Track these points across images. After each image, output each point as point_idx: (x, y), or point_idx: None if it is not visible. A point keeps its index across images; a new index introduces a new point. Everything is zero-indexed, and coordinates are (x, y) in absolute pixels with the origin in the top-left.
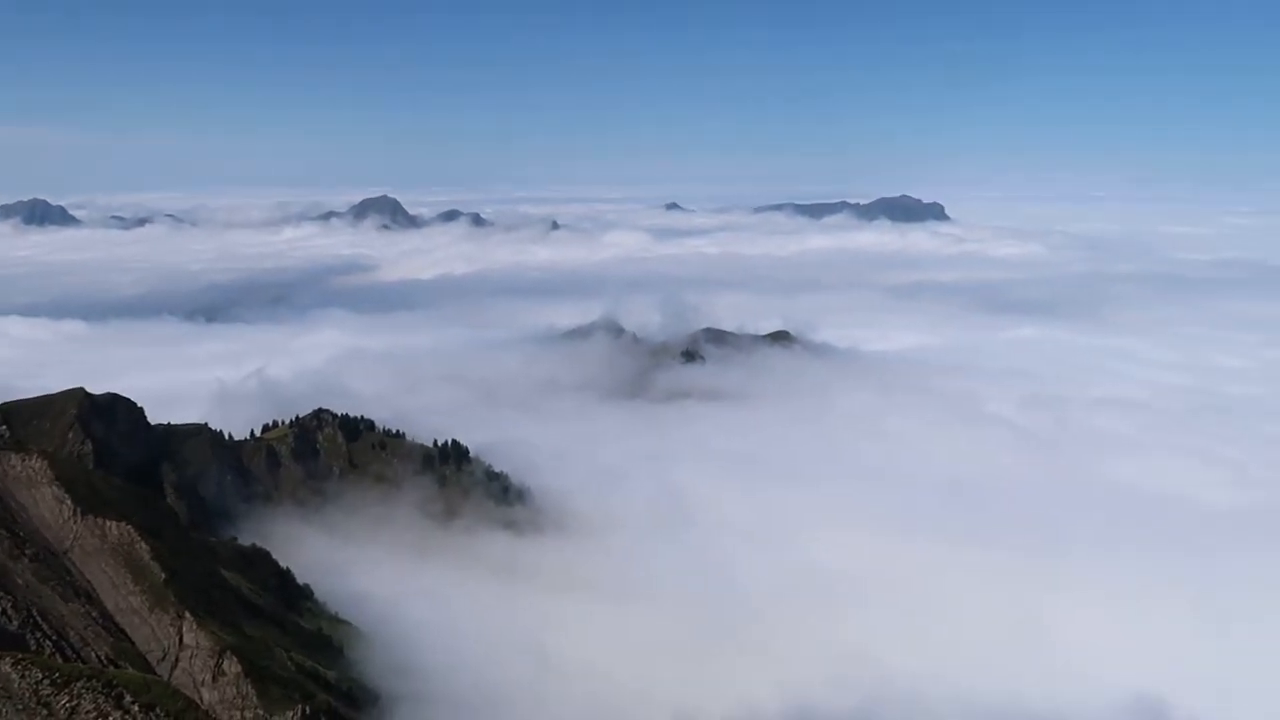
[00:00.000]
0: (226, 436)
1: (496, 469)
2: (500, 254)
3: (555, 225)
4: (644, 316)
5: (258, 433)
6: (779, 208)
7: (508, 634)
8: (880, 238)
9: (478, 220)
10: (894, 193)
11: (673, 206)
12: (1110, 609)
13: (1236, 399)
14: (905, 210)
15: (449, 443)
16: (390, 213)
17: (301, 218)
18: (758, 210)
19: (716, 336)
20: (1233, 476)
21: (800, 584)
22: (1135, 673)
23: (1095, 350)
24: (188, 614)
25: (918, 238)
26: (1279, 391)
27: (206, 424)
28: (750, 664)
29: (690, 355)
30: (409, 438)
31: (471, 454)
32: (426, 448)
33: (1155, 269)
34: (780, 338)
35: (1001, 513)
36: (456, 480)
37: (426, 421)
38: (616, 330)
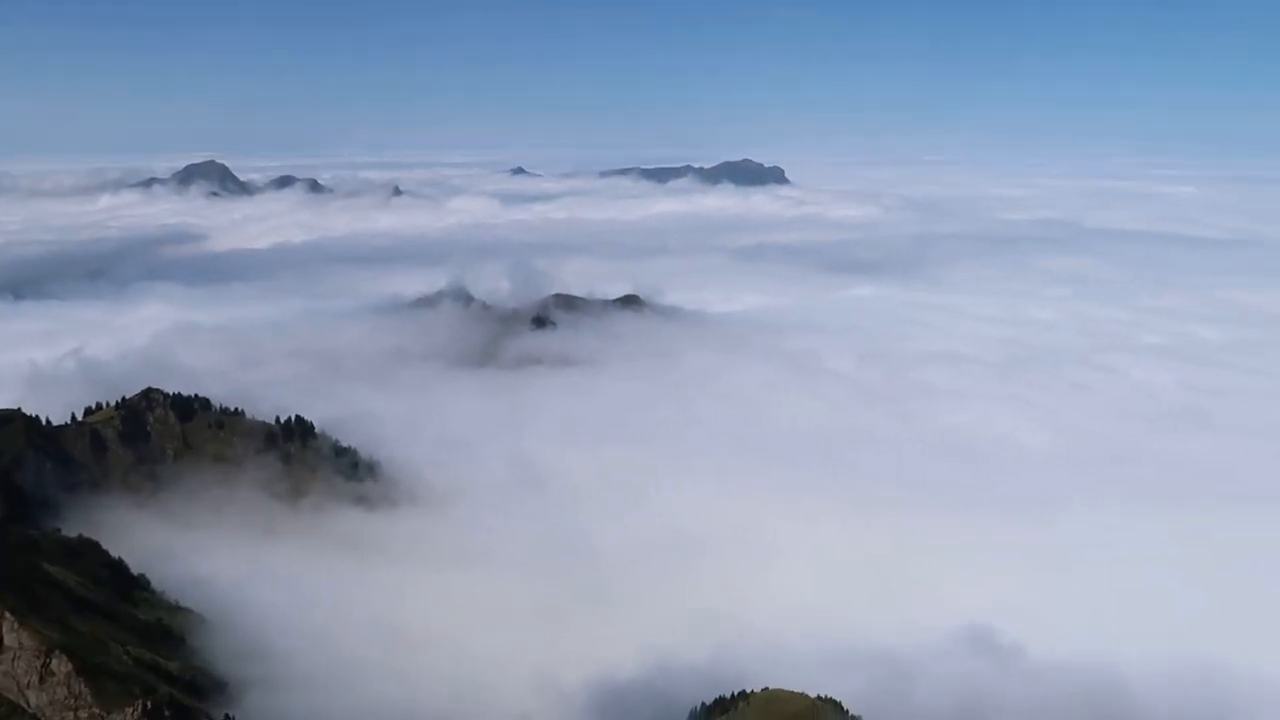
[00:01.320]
0: (44, 422)
1: (344, 443)
2: (340, 221)
3: (398, 191)
4: (493, 283)
5: (79, 417)
6: (625, 172)
7: (361, 610)
8: (724, 201)
9: (315, 186)
10: (736, 157)
11: (519, 171)
12: (946, 548)
13: (1049, 349)
14: (747, 174)
15: (292, 418)
16: (219, 179)
17: (120, 185)
18: (604, 175)
19: (566, 302)
20: (1049, 421)
21: (653, 543)
22: (969, 605)
23: (925, 306)
24: (7, 614)
25: (760, 201)
26: (1086, 341)
27: (19, 409)
28: (607, 625)
29: (540, 321)
30: (249, 415)
31: (317, 429)
32: (268, 425)
33: (979, 229)
34: (630, 302)
35: (844, 463)
36: (302, 457)
37: (267, 397)
38: (465, 298)
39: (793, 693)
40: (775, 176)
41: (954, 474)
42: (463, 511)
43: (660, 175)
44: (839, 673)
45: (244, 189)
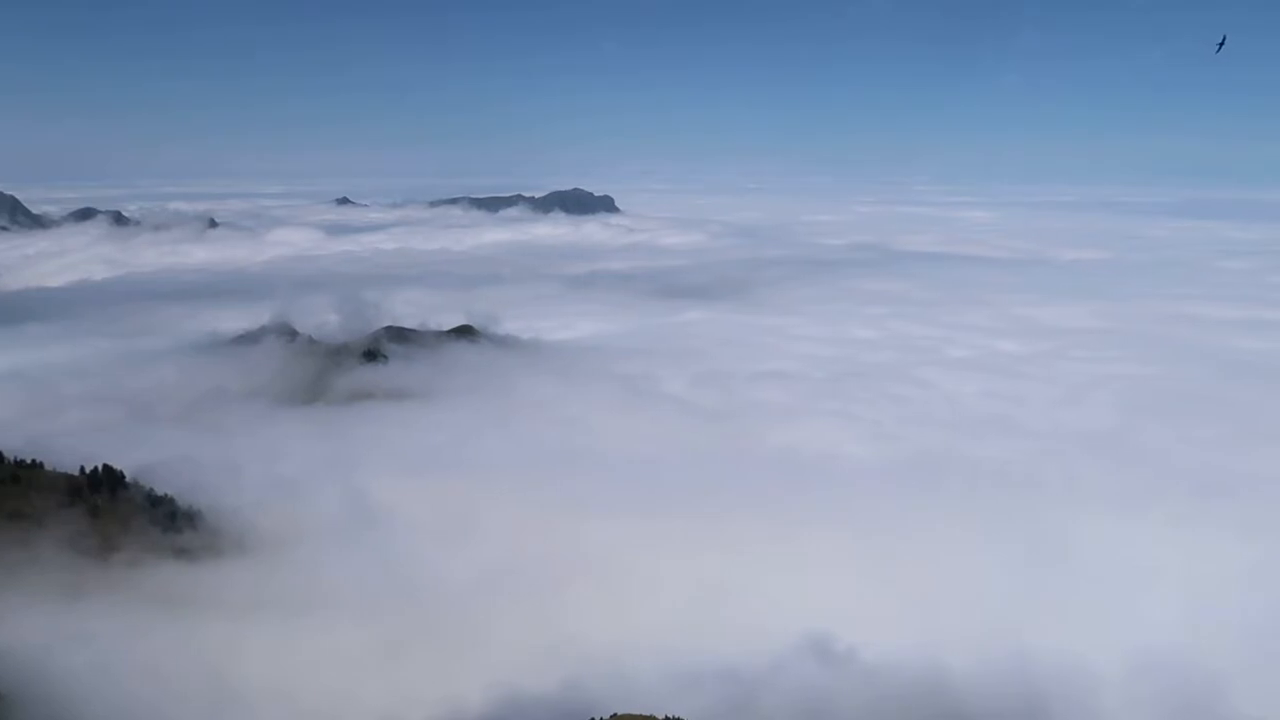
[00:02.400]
0: None
1: (160, 492)
2: (149, 255)
3: (213, 223)
4: (319, 317)
5: None
6: (455, 201)
7: (185, 669)
8: (556, 230)
9: (119, 219)
10: (567, 186)
11: (344, 201)
12: (782, 560)
13: (870, 365)
14: (578, 202)
15: (99, 468)
16: (8, 211)
17: None
18: (434, 204)
19: (398, 334)
20: (872, 433)
21: (496, 575)
22: (806, 615)
23: (754, 328)
24: None
25: (591, 229)
26: (902, 357)
27: None
28: (452, 662)
29: (371, 355)
30: (49, 467)
31: (128, 478)
32: (72, 476)
33: (800, 253)
34: (464, 332)
35: (683, 484)
36: (112, 509)
37: (70, 447)
38: (289, 333)
39: (641, 716)
40: (606, 205)
41: (788, 488)
42: (295, 556)
43: (491, 204)
44: (685, 692)
45: (38, 222)
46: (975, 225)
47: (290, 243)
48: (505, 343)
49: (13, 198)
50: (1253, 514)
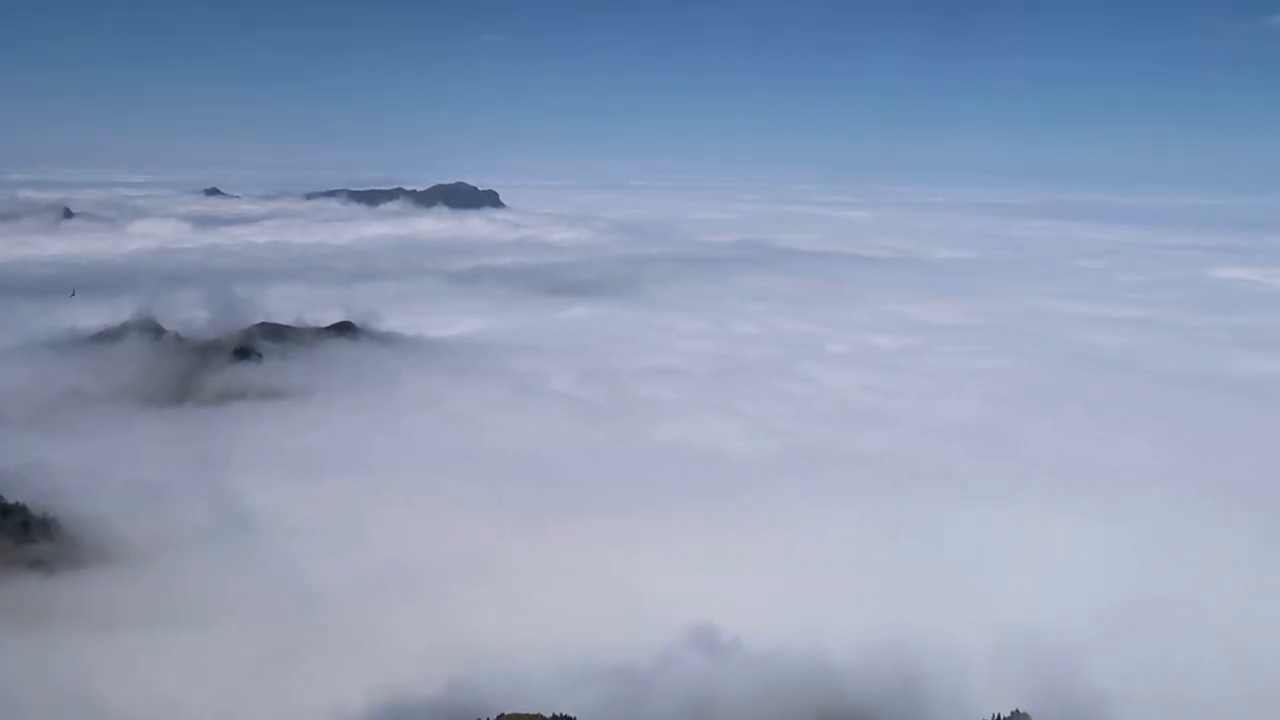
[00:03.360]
0: None
1: (10, 500)
2: None
3: (68, 213)
4: (187, 313)
5: None
6: (333, 194)
7: (45, 690)
8: (439, 224)
9: None
10: (450, 180)
11: (213, 192)
12: (669, 555)
13: (753, 360)
14: (462, 197)
15: None
16: None
17: None
18: (310, 197)
19: (273, 331)
20: (757, 427)
21: (379, 578)
22: (693, 608)
23: (640, 324)
24: None
25: (475, 224)
26: (783, 352)
27: None
28: (334, 670)
29: (244, 353)
30: None
31: None
32: None
33: (684, 250)
34: (344, 329)
35: (572, 481)
36: None
37: None
38: (154, 330)
39: (529, 715)
40: (490, 200)
41: (676, 483)
42: (163, 566)
43: (371, 198)
44: (575, 689)
45: None
46: (852, 224)
47: (154, 235)
48: (387, 340)
49: None
50: (1108, 497)
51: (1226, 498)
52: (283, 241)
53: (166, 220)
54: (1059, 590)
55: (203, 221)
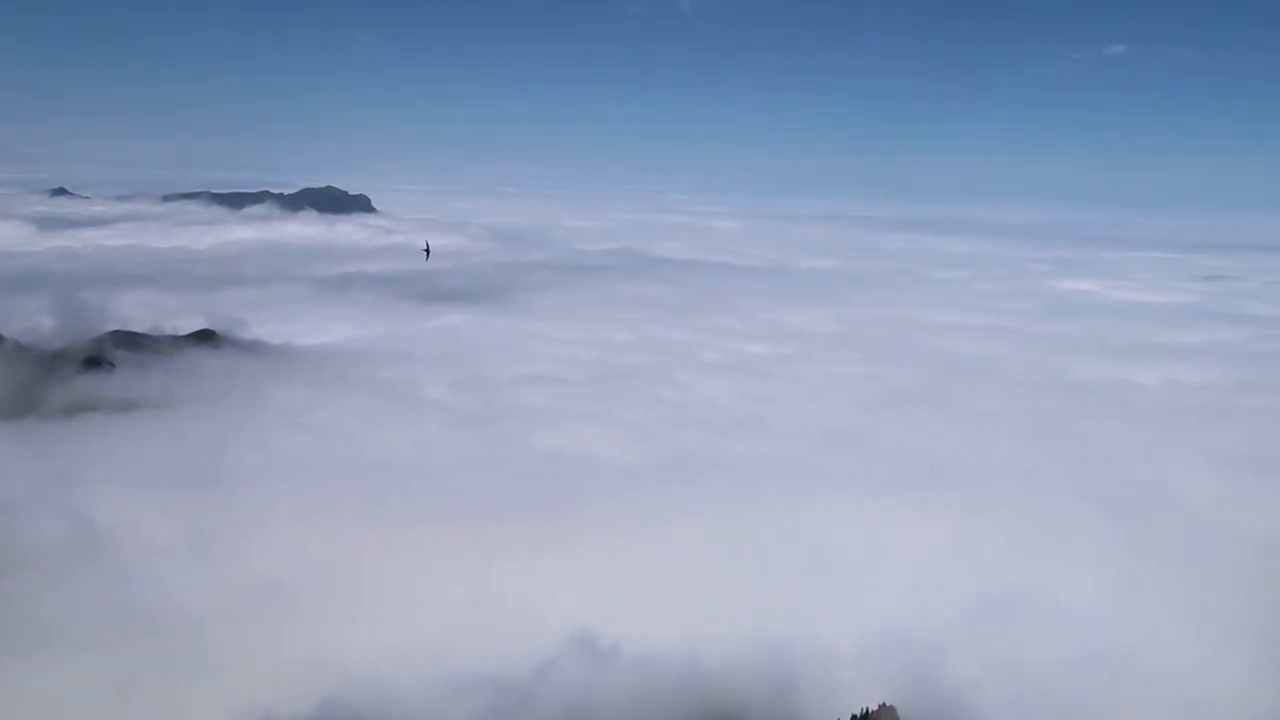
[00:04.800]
0: None
1: None
2: None
3: None
4: (30, 320)
5: None
6: (193, 196)
7: None
8: (307, 229)
9: None
10: (319, 183)
11: (61, 192)
12: (550, 564)
13: (628, 368)
14: (332, 201)
15: None
16: None
17: None
18: (169, 198)
19: (127, 340)
20: (633, 434)
21: (249, 595)
22: (573, 615)
23: (515, 332)
24: None
25: (346, 229)
26: (659, 360)
27: None
28: (199, 691)
29: (94, 362)
30: None
31: None
32: None
33: (559, 258)
34: (205, 337)
35: (448, 490)
36: None
37: None
38: None
39: None
40: (361, 204)
41: (554, 491)
42: (10, 587)
43: (235, 200)
44: (451, 703)
45: None
46: (724, 234)
47: None
48: (252, 348)
49: None
50: (968, 496)
51: (1074, 494)
52: (138, 245)
53: (8, 221)
54: (924, 587)
55: (49, 223)
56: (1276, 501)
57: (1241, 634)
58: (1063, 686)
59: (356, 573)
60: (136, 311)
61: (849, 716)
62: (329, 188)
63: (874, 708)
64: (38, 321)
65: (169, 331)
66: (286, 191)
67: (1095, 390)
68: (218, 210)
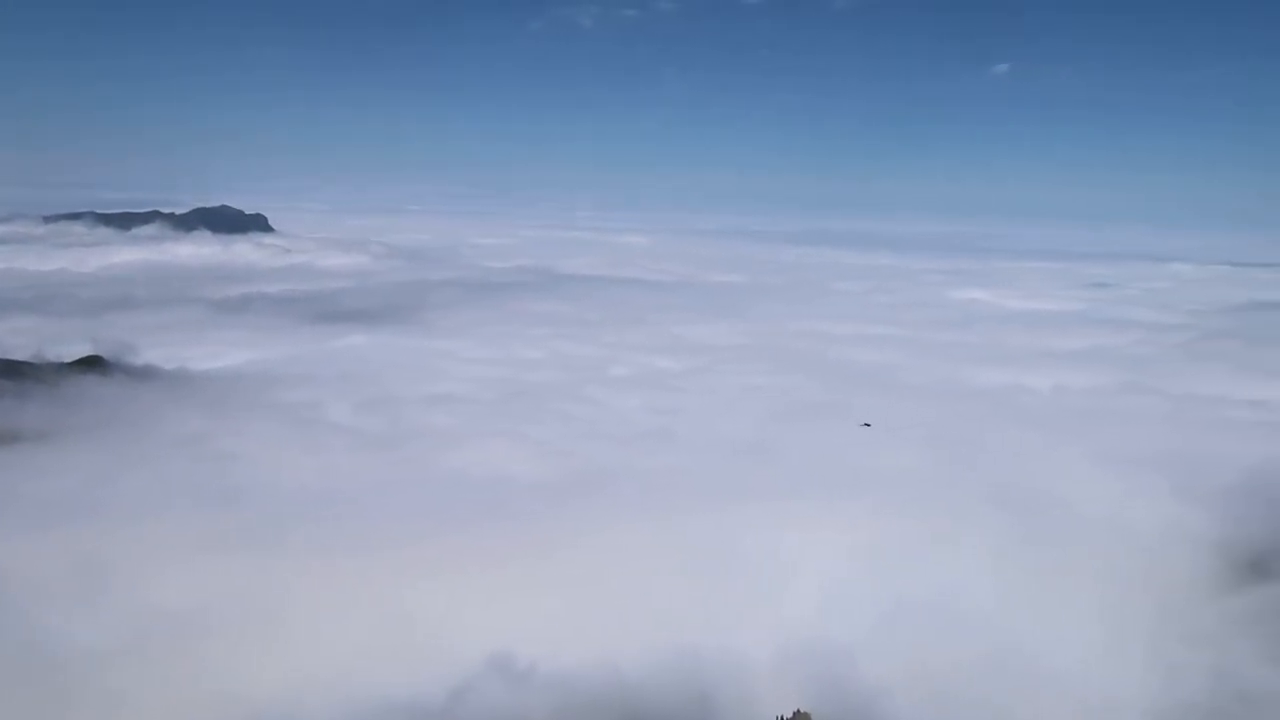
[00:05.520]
0: None
1: None
2: None
3: None
4: None
5: None
6: (77, 217)
7: None
8: (201, 249)
9: None
10: (213, 203)
11: None
12: (463, 586)
13: (538, 385)
14: (227, 221)
15: None
16: None
17: None
18: (50, 219)
19: (7, 368)
20: (544, 451)
21: (146, 631)
22: (491, 637)
23: (421, 352)
24: None
25: (242, 249)
26: (568, 376)
27: None
28: None
29: None
30: None
31: None
32: None
33: (467, 275)
34: (92, 364)
35: (355, 516)
36: None
37: None
38: None
39: None
40: (258, 224)
41: (465, 512)
42: None
43: (122, 221)
44: None
45: None
46: (632, 250)
47: None
48: (144, 374)
49: None
50: (875, 503)
51: (975, 498)
52: (16, 269)
53: None
54: (835, 593)
55: None
56: (1159, 499)
57: (1131, 630)
58: (970, 688)
59: (263, 604)
60: (15, 339)
61: None
62: (223, 207)
63: (789, 715)
64: None
65: (52, 359)
66: (178, 211)
67: (991, 396)
68: (104, 231)
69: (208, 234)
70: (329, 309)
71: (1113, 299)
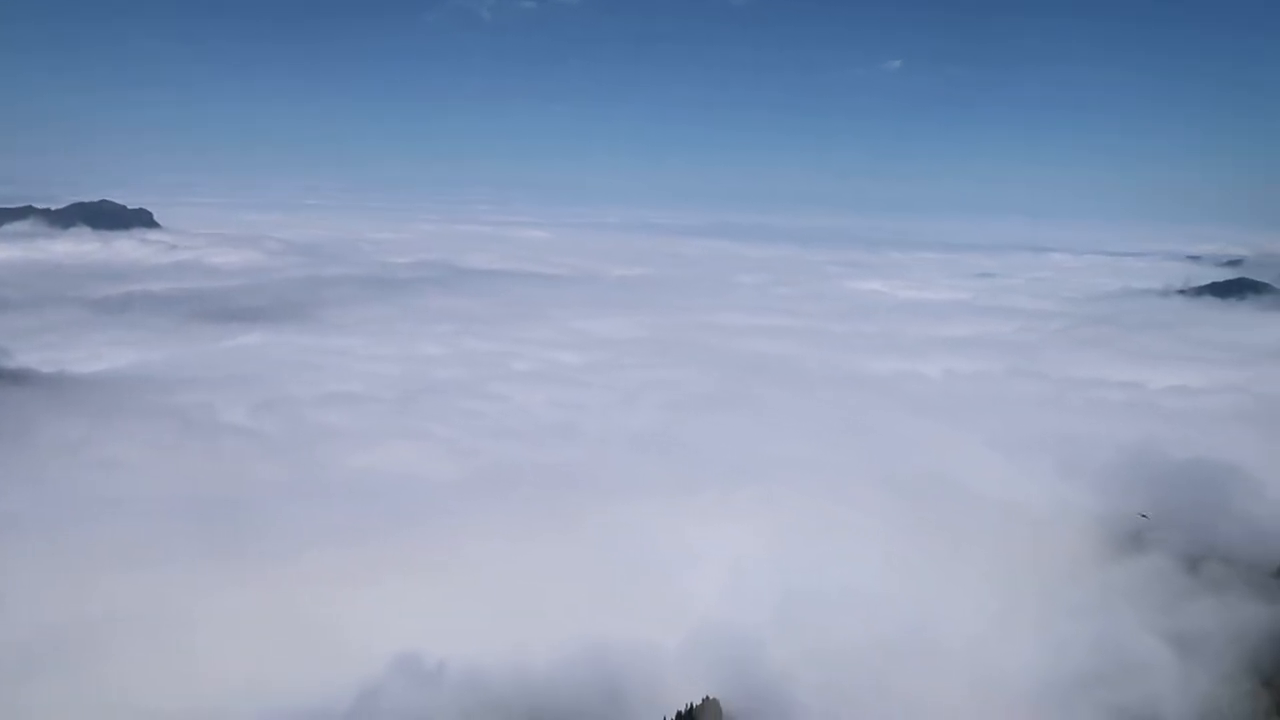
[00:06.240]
0: None
1: None
2: None
3: None
4: None
5: None
6: None
7: None
8: (79, 247)
9: None
10: (92, 197)
11: None
12: (369, 588)
13: (441, 382)
14: (108, 217)
15: None
16: None
17: None
18: None
19: None
20: (448, 449)
21: (28, 646)
22: (396, 639)
23: (318, 350)
24: None
25: (124, 246)
26: (471, 372)
27: None
28: None
29: None
30: None
31: None
32: None
33: (365, 271)
34: None
35: (253, 521)
36: None
37: None
38: None
39: None
40: (142, 219)
41: (368, 513)
42: None
43: None
44: None
45: None
46: (532, 244)
47: None
48: (18, 378)
49: None
50: (776, 491)
51: (871, 483)
52: None
53: None
54: (739, 581)
55: None
56: (1044, 479)
57: (1021, 605)
58: (871, 669)
59: (157, 614)
60: None
61: (675, 713)
62: (104, 202)
63: (698, 702)
64: None
65: None
66: (54, 207)
67: (885, 383)
68: None
69: (87, 230)
70: (220, 307)
71: (997, 288)
